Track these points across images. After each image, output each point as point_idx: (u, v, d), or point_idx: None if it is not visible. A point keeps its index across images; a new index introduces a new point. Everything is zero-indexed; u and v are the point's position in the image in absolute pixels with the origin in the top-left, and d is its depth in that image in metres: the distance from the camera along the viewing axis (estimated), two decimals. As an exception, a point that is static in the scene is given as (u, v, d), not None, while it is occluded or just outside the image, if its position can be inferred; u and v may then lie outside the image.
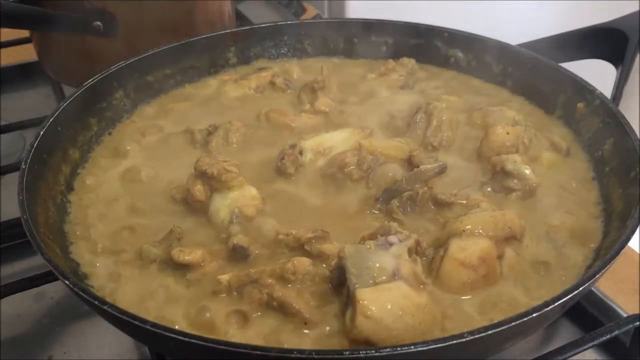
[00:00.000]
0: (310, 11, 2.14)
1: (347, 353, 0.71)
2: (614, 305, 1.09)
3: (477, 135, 1.20)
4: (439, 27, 1.44)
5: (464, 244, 0.92)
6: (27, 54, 1.75)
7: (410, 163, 1.12)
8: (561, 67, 1.28)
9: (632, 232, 0.89)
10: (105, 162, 1.19)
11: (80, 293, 0.80)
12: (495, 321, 0.75)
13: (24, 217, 0.90)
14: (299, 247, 0.94)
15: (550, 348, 0.97)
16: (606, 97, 1.17)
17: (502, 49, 1.37)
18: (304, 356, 0.71)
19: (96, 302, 0.79)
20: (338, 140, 1.18)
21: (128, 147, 1.22)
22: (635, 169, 1.02)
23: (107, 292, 0.92)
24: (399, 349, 0.71)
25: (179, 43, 1.38)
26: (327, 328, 0.85)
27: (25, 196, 0.94)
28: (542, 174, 1.12)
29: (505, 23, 2.01)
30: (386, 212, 1.04)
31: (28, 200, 0.94)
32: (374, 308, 0.79)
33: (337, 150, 1.16)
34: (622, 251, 0.86)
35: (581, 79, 1.23)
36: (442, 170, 1.06)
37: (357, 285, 0.82)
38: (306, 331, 0.85)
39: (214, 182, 1.02)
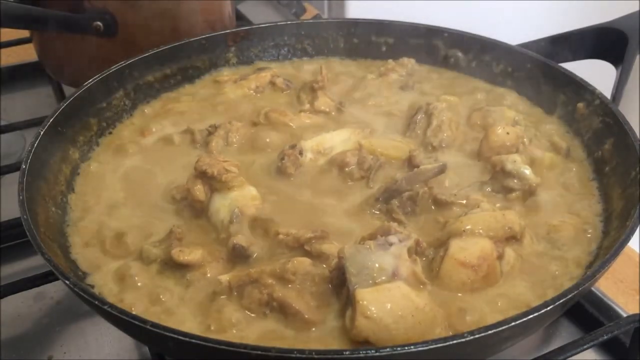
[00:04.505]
0: (310, 11, 2.14)
1: (347, 353, 0.71)
2: (614, 305, 1.09)
3: (477, 136, 1.20)
4: (439, 27, 1.44)
5: (464, 244, 0.92)
6: (27, 54, 1.75)
7: (410, 163, 1.12)
8: (561, 67, 1.28)
9: (632, 232, 0.89)
10: (105, 162, 1.19)
11: (81, 293, 0.80)
12: (495, 321, 0.75)
13: (24, 217, 0.90)
14: (299, 247, 0.94)
15: (550, 348, 0.97)
16: (606, 97, 1.17)
17: (502, 49, 1.38)
18: (304, 356, 0.71)
19: (96, 302, 0.79)
20: (338, 140, 1.19)
21: (128, 148, 1.22)
22: (635, 169, 1.02)
23: (107, 292, 0.92)
24: (398, 349, 0.71)
25: (179, 43, 1.38)
26: (327, 328, 0.85)
27: (25, 196, 0.94)
28: (542, 174, 1.12)
29: (505, 23, 2.02)
30: (386, 212, 1.04)
31: (28, 200, 0.94)
32: (373, 308, 0.79)
33: (337, 150, 1.16)
34: (622, 251, 0.86)
35: (581, 79, 1.23)
36: (442, 170, 1.06)
37: (356, 286, 0.82)
38: (306, 331, 0.85)
39: (214, 182, 1.02)
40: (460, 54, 1.43)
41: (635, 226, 0.90)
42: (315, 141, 1.17)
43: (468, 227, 0.94)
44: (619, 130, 1.10)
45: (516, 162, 1.07)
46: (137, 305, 0.90)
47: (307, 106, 1.32)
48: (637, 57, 1.33)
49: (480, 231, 0.94)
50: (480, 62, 1.41)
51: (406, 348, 0.71)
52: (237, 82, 1.40)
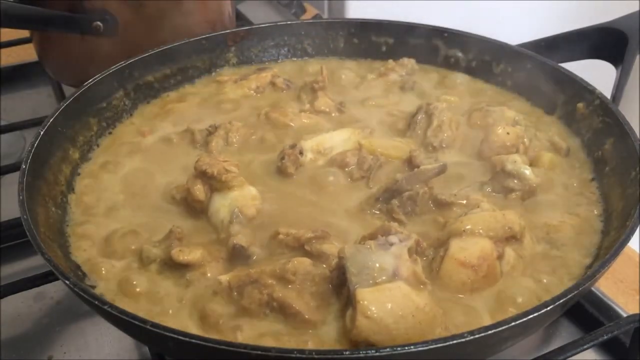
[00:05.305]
0: (310, 11, 2.14)
1: (347, 353, 0.71)
2: (614, 305, 1.09)
3: (477, 136, 1.20)
4: (439, 27, 1.44)
5: (464, 244, 0.92)
6: (27, 54, 1.75)
7: (410, 163, 1.12)
8: (561, 67, 1.28)
9: (632, 232, 0.89)
10: (105, 162, 1.18)
11: (81, 293, 0.80)
12: (495, 321, 0.75)
13: (24, 217, 0.90)
14: (299, 247, 0.94)
15: (550, 348, 0.97)
16: (606, 97, 1.17)
17: (502, 49, 1.38)
18: (304, 356, 0.71)
19: (96, 302, 0.79)
20: (338, 140, 1.19)
21: (128, 148, 1.22)
22: (635, 169, 1.02)
23: (107, 292, 0.92)
24: (399, 349, 0.71)
25: (179, 43, 1.38)
26: (327, 328, 0.85)
27: (25, 196, 0.94)
28: (542, 174, 1.12)
29: (505, 23, 2.02)
30: (386, 212, 1.04)
31: (28, 200, 0.94)
32: (374, 308, 0.79)
33: (337, 150, 1.16)
34: (622, 251, 0.86)
35: (581, 79, 1.23)
36: (442, 171, 1.06)
37: (357, 286, 0.82)
38: (306, 331, 0.85)
39: (214, 182, 1.02)
40: (460, 54, 1.43)
41: (635, 226, 0.90)
42: (316, 141, 1.17)
43: (468, 227, 0.94)
44: (619, 130, 1.10)
45: (516, 162, 1.07)
46: (136, 305, 0.90)
47: (308, 106, 1.32)
48: (637, 57, 1.33)
49: (480, 231, 0.94)
50: (480, 62, 1.41)
51: (406, 348, 0.71)
52: (237, 82, 1.40)
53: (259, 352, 0.71)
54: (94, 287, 0.93)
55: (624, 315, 1.06)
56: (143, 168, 1.17)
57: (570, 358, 0.93)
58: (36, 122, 1.42)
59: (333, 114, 1.31)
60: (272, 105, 1.32)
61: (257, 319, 0.87)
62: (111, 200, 1.09)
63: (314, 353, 0.71)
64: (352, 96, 1.37)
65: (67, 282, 0.81)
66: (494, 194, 1.08)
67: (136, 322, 0.76)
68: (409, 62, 1.43)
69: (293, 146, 1.14)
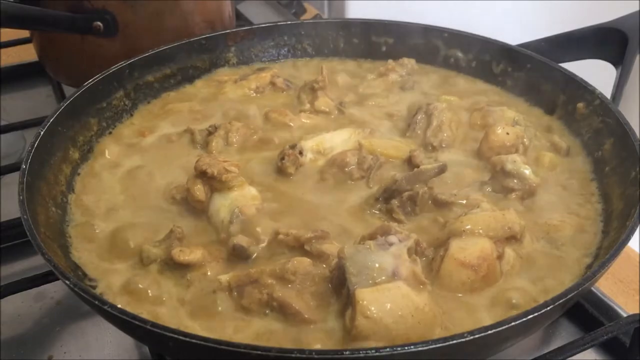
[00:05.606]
0: (310, 11, 2.14)
1: (347, 353, 0.71)
2: (614, 305, 1.09)
3: (477, 136, 1.20)
4: (439, 27, 1.44)
5: (464, 244, 0.92)
6: (27, 54, 1.75)
7: (410, 163, 1.12)
8: (561, 67, 1.28)
9: (632, 233, 0.89)
10: (105, 162, 1.19)
11: (81, 293, 0.80)
12: (495, 321, 0.75)
13: (24, 217, 0.90)
14: (299, 247, 0.94)
15: (550, 348, 0.97)
16: (606, 97, 1.18)
17: (502, 49, 1.38)
18: (304, 356, 0.71)
19: (96, 302, 0.79)
20: (338, 141, 1.19)
21: (128, 148, 1.22)
22: (635, 169, 1.02)
23: (107, 292, 0.92)
24: (398, 349, 0.71)
25: (179, 43, 1.38)
26: (327, 328, 0.85)
27: (25, 196, 0.94)
28: (542, 174, 1.12)
29: (505, 23, 2.02)
30: (386, 212, 1.04)
31: (28, 200, 0.94)
32: (373, 308, 0.79)
33: (337, 150, 1.16)
34: (622, 251, 0.86)
35: (581, 79, 1.23)
36: (442, 170, 1.06)
37: (356, 286, 0.82)
38: (306, 331, 0.85)
39: (214, 182, 1.02)
40: (460, 54, 1.43)
41: (635, 226, 0.90)
42: (316, 141, 1.17)
43: (468, 227, 0.94)
44: (619, 130, 1.10)
45: (516, 162, 1.07)
46: (137, 305, 0.90)
47: (307, 106, 1.32)
48: (637, 57, 1.33)
49: (480, 231, 0.94)
50: (480, 62, 1.41)
51: (406, 348, 0.71)
52: (237, 82, 1.40)
53: (259, 352, 0.71)
54: (94, 287, 0.93)
55: (624, 315, 1.06)
56: (143, 168, 1.17)
57: (570, 358, 0.93)
58: (36, 122, 1.42)
59: (333, 114, 1.31)
60: (272, 106, 1.32)
61: (257, 319, 0.87)
62: (111, 201, 1.09)
63: (314, 353, 0.71)
64: (352, 96, 1.37)
65: (67, 282, 0.81)
66: (494, 194, 1.08)
67: (136, 322, 0.76)
68: (409, 62, 1.43)
69: (293, 146, 1.14)
